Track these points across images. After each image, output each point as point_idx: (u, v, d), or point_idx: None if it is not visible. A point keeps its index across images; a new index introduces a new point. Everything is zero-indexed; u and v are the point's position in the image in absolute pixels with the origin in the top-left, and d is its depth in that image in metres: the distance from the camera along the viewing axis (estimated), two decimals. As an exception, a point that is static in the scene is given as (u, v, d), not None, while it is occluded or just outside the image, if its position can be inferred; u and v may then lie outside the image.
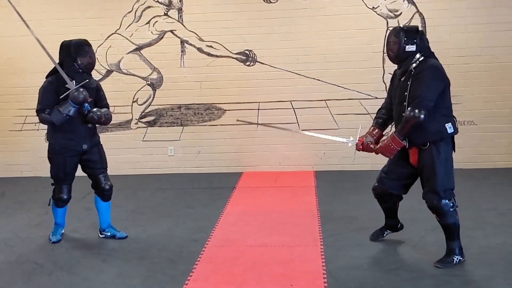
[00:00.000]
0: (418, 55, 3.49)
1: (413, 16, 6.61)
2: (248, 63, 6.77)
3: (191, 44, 6.79)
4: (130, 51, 6.84)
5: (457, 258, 3.56)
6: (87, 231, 4.67)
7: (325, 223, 4.62)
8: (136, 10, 6.74)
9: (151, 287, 3.45)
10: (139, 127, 7.03)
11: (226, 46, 6.76)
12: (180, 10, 6.73)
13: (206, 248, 4.12)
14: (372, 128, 3.82)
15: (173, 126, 7.01)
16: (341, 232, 4.39)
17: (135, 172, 7.02)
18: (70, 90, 3.96)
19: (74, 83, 4.00)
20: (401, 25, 3.62)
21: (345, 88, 6.68)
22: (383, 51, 6.63)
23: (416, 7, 6.58)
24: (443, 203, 3.47)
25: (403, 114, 3.47)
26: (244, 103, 6.84)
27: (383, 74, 6.69)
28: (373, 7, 6.60)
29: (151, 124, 7.02)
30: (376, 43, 6.62)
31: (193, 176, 6.84)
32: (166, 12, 6.73)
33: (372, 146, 3.68)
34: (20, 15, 4.38)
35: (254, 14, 6.66)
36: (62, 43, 4.16)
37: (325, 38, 6.62)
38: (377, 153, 3.67)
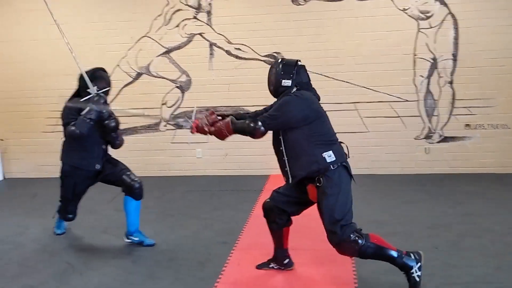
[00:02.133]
0: (294, 89, 3.27)
1: (444, 17, 6.49)
2: (276, 66, 6.75)
3: (219, 47, 6.82)
4: (160, 54, 6.92)
5: (415, 270, 3.18)
6: (117, 232, 4.71)
7: (355, 227, 4.56)
8: (166, 14, 6.82)
9: (180, 289, 3.47)
10: (168, 129, 7.09)
11: (254, 49, 6.77)
12: (209, 13, 6.76)
13: (234, 251, 4.11)
14: (210, 112, 3.49)
15: (201, 128, 7.03)
16: (371, 237, 4.31)
17: (164, 173, 7.08)
18: (91, 95, 4.05)
19: (96, 88, 4.09)
20: (281, 58, 3.44)
21: (374, 91, 6.60)
22: (414, 53, 6.54)
23: (448, 8, 6.45)
24: (346, 239, 3.08)
25: (275, 146, 3.39)
26: (271, 105, 6.82)
27: (414, 77, 6.59)
28: (404, 9, 6.51)
29: (179, 126, 7.08)
30: (406, 45, 6.52)
31: (220, 178, 6.86)
32: (195, 15, 6.78)
33: (206, 128, 3.39)
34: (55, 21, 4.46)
35: (282, 16, 6.65)
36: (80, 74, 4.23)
37: (354, 40, 6.56)
38: (210, 134, 3.43)
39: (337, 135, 3.65)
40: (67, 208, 4.42)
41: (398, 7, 6.50)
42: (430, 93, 6.62)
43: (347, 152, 3.30)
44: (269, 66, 7.25)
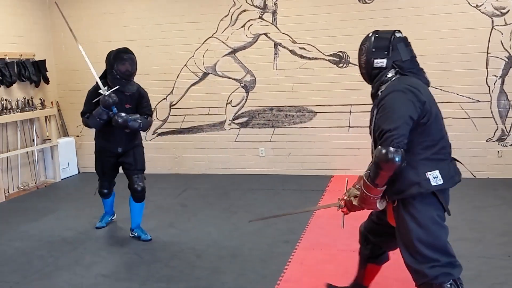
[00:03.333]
0: (391, 73, 2.49)
1: (522, 13, 6.14)
2: (341, 65, 6.68)
3: (284, 47, 6.84)
4: (226, 54, 7.04)
5: None
6: (183, 227, 4.87)
7: (421, 231, 4.43)
8: (232, 14, 6.93)
9: (243, 285, 3.53)
10: (232, 128, 7.21)
11: (319, 48, 6.73)
12: (274, 13, 6.80)
13: (296, 250, 4.13)
14: (360, 176, 2.61)
15: (265, 127, 7.11)
16: (438, 242, 4.18)
17: (227, 171, 7.21)
18: (102, 95, 4.26)
19: (107, 88, 4.28)
20: (374, 31, 2.63)
21: (443, 91, 6.35)
22: (487, 51, 6.24)
23: (527, 4, 6.10)
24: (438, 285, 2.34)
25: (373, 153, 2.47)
26: (335, 105, 6.76)
27: (487, 76, 6.28)
28: (477, 5, 6.21)
29: (243, 125, 7.18)
30: (479, 43, 6.23)
31: (283, 177, 6.88)
32: (260, 15, 6.84)
33: (355, 202, 2.56)
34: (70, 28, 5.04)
35: (348, 15, 6.56)
36: (109, 52, 4.44)
37: (423, 38, 6.35)
38: (363, 209, 2.57)
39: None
40: (102, 184, 4.73)
41: (470, 4, 6.22)
42: (504, 93, 6.29)
43: (460, 172, 2.49)
44: (334, 65, 7.14)
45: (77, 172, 7.72)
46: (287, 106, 6.98)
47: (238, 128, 7.20)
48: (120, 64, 4.28)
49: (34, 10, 7.21)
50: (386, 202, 2.48)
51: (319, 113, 6.86)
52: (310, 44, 6.75)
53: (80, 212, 5.55)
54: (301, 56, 6.80)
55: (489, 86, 6.30)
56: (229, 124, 7.21)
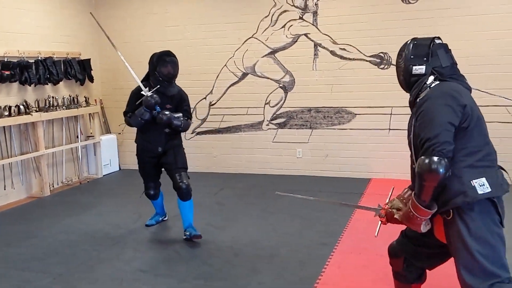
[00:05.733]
0: (430, 79, 2.42)
1: None
2: (382, 66, 6.58)
3: (324, 47, 6.79)
4: (265, 55, 7.05)
5: None
6: (220, 225, 4.91)
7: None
8: (272, 15, 6.93)
9: (280, 286, 3.53)
10: (270, 129, 7.22)
11: (359, 49, 6.64)
12: (315, 13, 6.76)
13: (334, 253, 4.10)
14: (405, 189, 2.57)
15: (303, 128, 7.08)
16: None
17: (264, 171, 7.22)
18: (144, 96, 4.34)
19: (148, 89, 4.37)
20: (412, 38, 2.58)
21: (490, 94, 6.16)
22: (538, 53, 6.00)
23: None
24: None
25: (413, 165, 2.42)
26: (375, 107, 6.66)
27: (536, 79, 6.05)
28: (527, 5, 6.00)
29: (281, 126, 7.17)
30: (528, 44, 6.01)
31: (320, 179, 6.84)
32: (301, 16, 6.81)
33: (396, 216, 2.45)
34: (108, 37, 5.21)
35: (391, 15, 6.45)
36: (152, 55, 4.52)
37: (469, 39, 6.18)
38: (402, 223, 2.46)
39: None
40: (147, 185, 4.76)
41: (520, 4, 6.01)
42: (554, 97, 6.04)
43: (509, 181, 2.38)
44: (375, 66, 7.01)
45: (118, 169, 7.90)
46: (326, 107, 6.93)
47: (276, 129, 7.20)
48: (162, 66, 4.38)
49: (80, 12, 7.42)
50: (430, 224, 2.38)
51: (359, 115, 6.77)
52: (350, 45, 6.67)
53: (121, 207, 5.69)
54: (341, 57, 6.73)
55: (538, 90, 6.07)
56: (267, 125, 7.22)
